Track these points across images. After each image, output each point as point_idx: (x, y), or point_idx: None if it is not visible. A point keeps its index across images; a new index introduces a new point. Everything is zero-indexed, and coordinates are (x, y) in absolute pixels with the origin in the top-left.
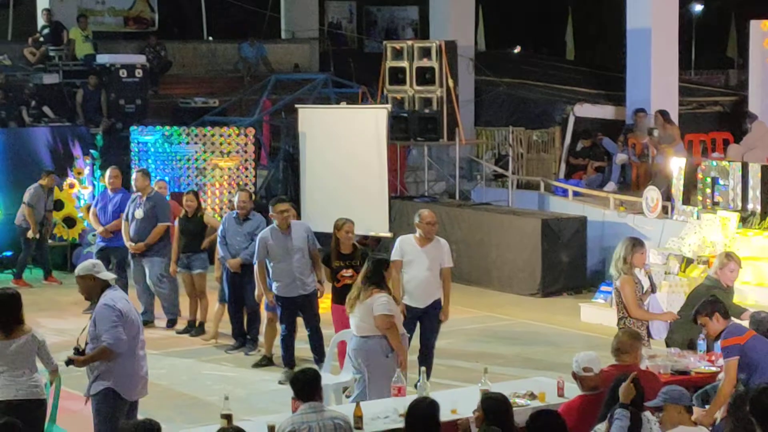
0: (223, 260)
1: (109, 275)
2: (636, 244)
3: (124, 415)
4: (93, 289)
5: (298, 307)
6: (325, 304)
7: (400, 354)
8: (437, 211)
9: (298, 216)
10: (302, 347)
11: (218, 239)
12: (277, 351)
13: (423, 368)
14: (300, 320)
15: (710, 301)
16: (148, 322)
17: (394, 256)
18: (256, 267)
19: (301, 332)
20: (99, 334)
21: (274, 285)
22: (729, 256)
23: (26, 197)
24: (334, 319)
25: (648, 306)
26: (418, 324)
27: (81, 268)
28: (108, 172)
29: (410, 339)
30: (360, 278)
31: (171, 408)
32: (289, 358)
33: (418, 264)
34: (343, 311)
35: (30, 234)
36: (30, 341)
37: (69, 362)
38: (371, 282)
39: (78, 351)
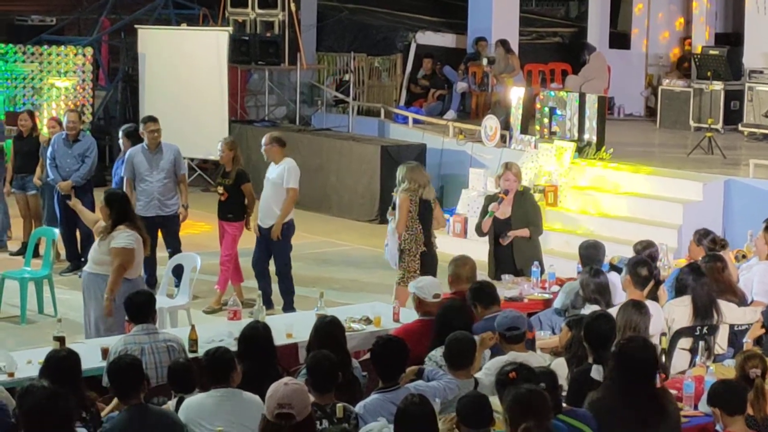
0: (53, 182)
1: None
2: (417, 167)
3: None
4: None
5: (157, 227)
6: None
7: (109, 291)
8: None
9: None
10: None
11: (47, 161)
12: None
13: (260, 292)
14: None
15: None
16: None
17: None
18: (124, 183)
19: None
20: None
21: (136, 204)
22: (506, 165)
23: None
24: None
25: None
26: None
27: None
28: None
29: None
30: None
31: (2, 330)
32: (150, 279)
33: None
34: None
35: None
36: None
37: None
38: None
39: None
